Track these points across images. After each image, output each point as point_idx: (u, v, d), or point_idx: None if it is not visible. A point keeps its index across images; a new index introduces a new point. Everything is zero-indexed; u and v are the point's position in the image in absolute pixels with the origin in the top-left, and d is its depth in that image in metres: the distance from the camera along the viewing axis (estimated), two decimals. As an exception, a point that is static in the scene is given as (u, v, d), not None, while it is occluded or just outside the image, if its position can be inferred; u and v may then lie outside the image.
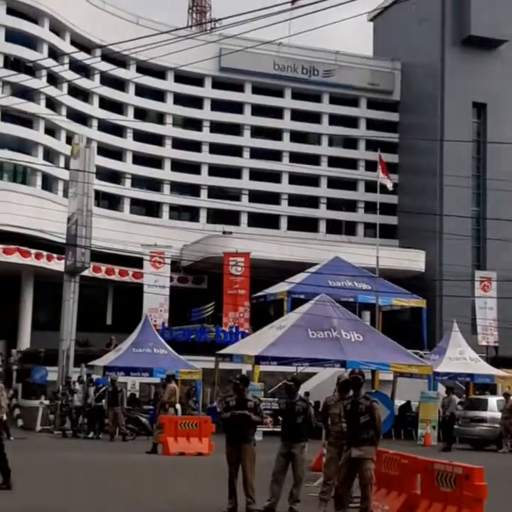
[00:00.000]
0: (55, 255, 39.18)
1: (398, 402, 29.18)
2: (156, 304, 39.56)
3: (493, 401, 26.96)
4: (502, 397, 26.72)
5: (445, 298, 46.23)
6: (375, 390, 25.97)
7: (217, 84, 53.43)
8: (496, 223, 45.89)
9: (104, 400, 25.30)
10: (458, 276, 40.85)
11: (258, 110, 54.20)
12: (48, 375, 28.64)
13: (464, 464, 9.72)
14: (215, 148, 52.88)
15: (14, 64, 42.76)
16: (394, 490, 10.93)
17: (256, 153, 53.50)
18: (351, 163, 55.43)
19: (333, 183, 54.78)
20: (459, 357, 30.88)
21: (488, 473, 9.52)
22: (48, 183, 45.28)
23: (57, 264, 37.11)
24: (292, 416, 11.30)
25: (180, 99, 52.58)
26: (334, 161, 54.68)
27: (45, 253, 40.47)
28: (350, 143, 55.99)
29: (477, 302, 43.45)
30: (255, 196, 52.38)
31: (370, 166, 51.24)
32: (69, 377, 27.74)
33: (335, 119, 55.45)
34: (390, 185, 37.73)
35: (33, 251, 40.18)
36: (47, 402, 27.36)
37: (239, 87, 53.88)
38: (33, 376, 28.76)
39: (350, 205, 55.14)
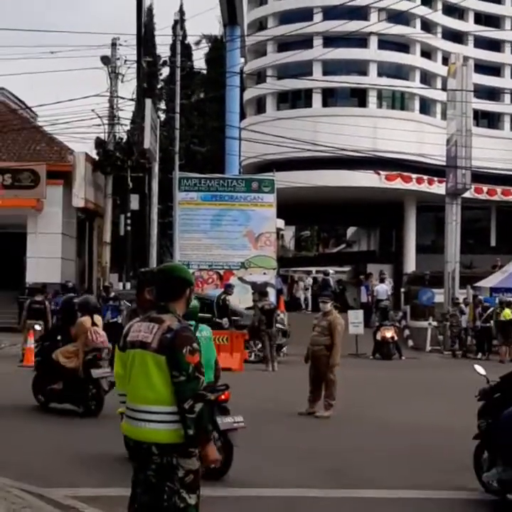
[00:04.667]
0: (435, 179, 39.37)
1: None
2: (542, 223, 38.16)
3: None
4: None
5: None
6: None
7: None
8: None
9: (492, 321, 25.21)
10: None
11: None
12: (435, 297, 29.12)
13: None
14: None
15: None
16: None
17: None
18: None
19: None
20: None
21: None
22: (426, 106, 45.27)
23: (439, 188, 37.29)
24: None
25: (561, 3, 48.92)
26: None
27: (425, 177, 40.84)
28: None
29: None
30: None
31: None
32: (456, 299, 28.00)
33: None
34: None
35: (414, 176, 40.76)
36: (435, 324, 27.93)
37: None
38: (420, 298, 29.45)
39: None
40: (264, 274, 27.69)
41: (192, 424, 4.33)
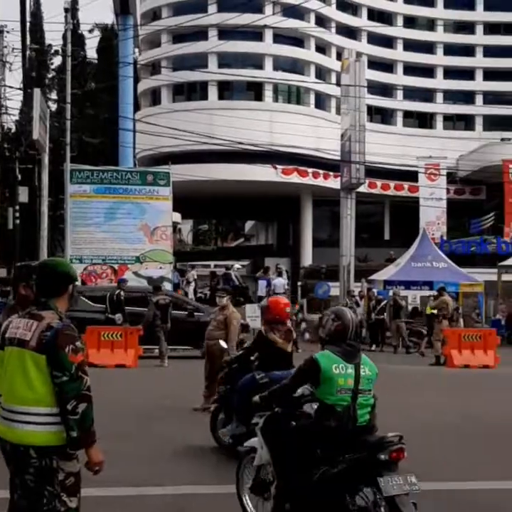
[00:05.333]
0: (331, 173, 39.80)
1: None
2: (432, 217, 39.08)
3: None
4: None
5: None
6: None
7: (491, -19, 50.23)
8: None
9: (385, 314, 25.57)
10: None
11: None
12: (331, 290, 29.32)
13: None
14: (491, 51, 50.11)
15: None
16: None
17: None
18: None
19: None
20: None
21: None
22: (321, 101, 45.76)
23: (334, 182, 37.70)
24: None
25: (451, 3, 50.28)
26: None
27: (321, 172, 41.23)
28: None
29: None
30: (535, 98, 49.13)
31: None
32: (352, 292, 28.27)
33: None
34: None
35: (310, 170, 41.09)
36: (331, 316, 28.05)
37: (515, -18, 50.24)
38: (316, 291, 29.61)
39: None
40: (160, 268, 27.32)
41: (75, 425, 4.18)
